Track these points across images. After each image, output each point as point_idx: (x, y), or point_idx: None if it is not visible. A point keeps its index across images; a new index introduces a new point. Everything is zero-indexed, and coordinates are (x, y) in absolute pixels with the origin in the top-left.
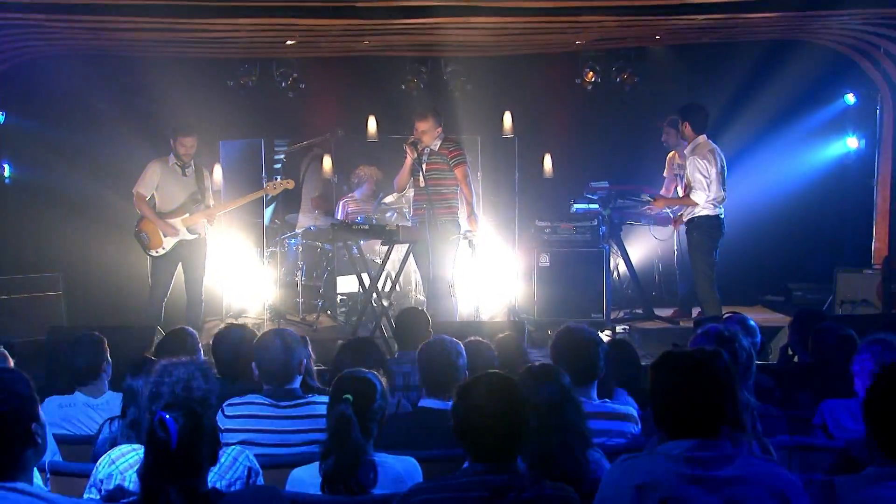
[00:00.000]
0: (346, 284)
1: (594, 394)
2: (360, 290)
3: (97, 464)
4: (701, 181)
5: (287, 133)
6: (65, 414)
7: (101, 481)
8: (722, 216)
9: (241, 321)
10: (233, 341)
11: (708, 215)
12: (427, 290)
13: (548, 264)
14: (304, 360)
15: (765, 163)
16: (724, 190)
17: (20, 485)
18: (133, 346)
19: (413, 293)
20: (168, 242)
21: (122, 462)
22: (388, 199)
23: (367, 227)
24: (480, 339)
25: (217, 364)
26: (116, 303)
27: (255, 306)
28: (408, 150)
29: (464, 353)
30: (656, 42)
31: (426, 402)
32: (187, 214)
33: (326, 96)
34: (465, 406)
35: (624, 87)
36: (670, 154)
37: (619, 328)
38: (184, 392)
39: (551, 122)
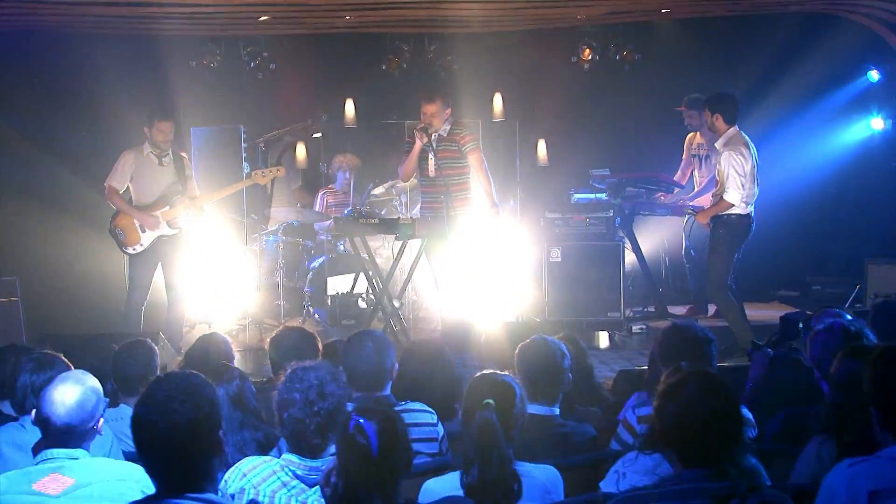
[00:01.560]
0: (338, 285)
1: None
2: (370, 290)
3: (224, 477)
4: (735, 179)
5: (257, 119)
6: (115, 428)
7: (232, 496)
8: (752, 214)
9: (214, 328)
10: (293, 346)
11: (739, 214)
12: (441, 288)
13: (559, 259)
14: (397, 365)
15: (780, 147)
16: (756, 186)
17: (210, 496)
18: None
19: (407, 292)
20: (147, 238)
21: (255, 475)
22: (378, 190)
23: (376, 220)
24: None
25: (275, 368)
26: (84, 309)
27: (233, 310)
28: (417, 136)
29: (568, 353)
30: (662, 16)
31: (534, 409)
32: (167, 207)
33: (299, 78)
34: (676, 407)
35: (624, 65)
36: (690, 135)
37: (634, 328)
38: (318, 398)
39: (545, 104)
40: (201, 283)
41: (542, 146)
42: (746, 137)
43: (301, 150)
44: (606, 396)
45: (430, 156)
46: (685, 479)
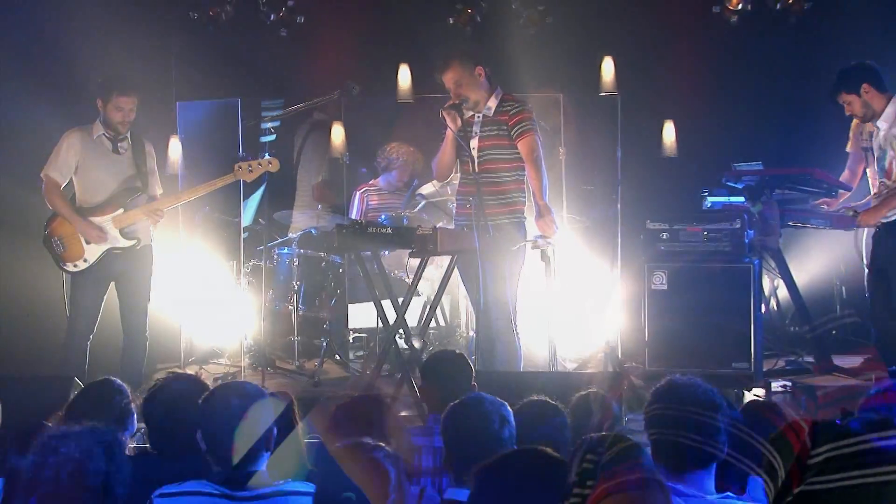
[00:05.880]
0: (363, 316)
1: (711, 485)
2: (380, 324)
3: None
4: None
5: (277, 90)
6: None
7: None
8: None
9: (202, 371)
10: (172, 400)
11: None
12: (478, 323)
13: (665, 287)
14: (275, 430)
15: None
16: None
17: None
18: (36, 408)
19: (463, 329)
20: (92, 252)
21: None
22: (426, 188)
23: (388, 230)
24: (547, 399)
25: (150, 432)
26: (12, 343)
27: (230, 348)
28: (448, 119)
29: (512, 419)
30: None
31: (454, 494)
32: (121, 210)
33: (335, 36)
34: None
35: (788, 17)
36: (856, 121)
37: (775, 385)
38: (72, 478)
39: (673, 73)
40: (192, 312)
41: (669, 129)
42: None
43: (338, 133)
44: None
45: (466, 145)
46: None
